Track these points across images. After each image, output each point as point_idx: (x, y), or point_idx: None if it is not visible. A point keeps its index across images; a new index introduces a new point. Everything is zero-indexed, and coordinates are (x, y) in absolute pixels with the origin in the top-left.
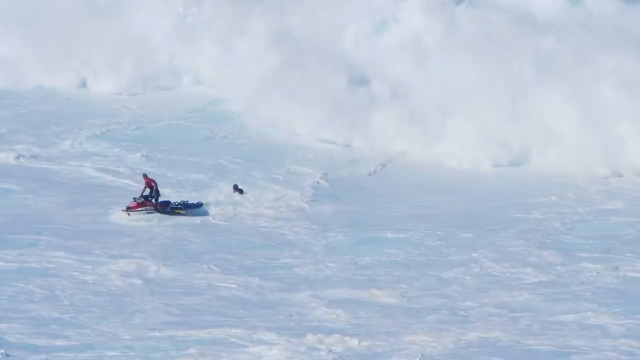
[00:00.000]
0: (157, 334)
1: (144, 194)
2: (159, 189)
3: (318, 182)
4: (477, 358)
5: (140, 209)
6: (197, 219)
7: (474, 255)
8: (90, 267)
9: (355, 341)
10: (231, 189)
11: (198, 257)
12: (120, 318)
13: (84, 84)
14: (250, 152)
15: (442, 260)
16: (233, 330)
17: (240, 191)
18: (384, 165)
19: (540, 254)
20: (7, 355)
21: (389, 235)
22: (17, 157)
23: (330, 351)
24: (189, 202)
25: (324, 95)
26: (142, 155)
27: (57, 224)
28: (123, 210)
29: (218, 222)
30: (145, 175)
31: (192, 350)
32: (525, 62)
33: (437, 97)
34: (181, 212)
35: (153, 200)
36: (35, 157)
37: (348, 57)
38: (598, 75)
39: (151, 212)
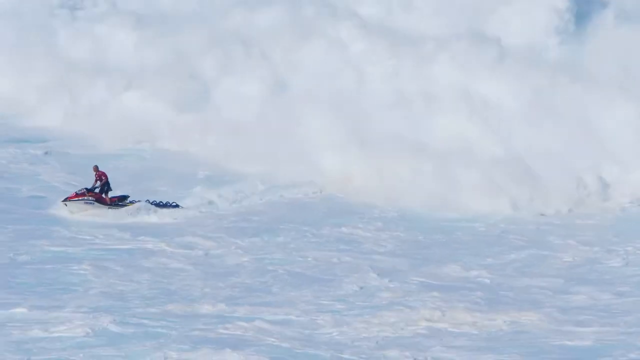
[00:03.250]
0: (212, 311)
1: (95, 186)
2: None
3: None
4: (532, 342)
5: (78, 199)
6: (276, 197)
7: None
8: (143, 246)
9: (413, 317)
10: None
11: (266, 234)
12: (179, 297)
13: None
14: None
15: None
16: (294, 313)
17: None
18: None
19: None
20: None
21: (457, 215)
22: None
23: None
24: (162, 202)
25: None
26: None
27: None
28: (62, 201)
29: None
30: (96, 168)
31: (256, 330)
32: None
33: None
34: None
35: (103, 195)
36: None
37: None
38: None
39: (90, 203)
